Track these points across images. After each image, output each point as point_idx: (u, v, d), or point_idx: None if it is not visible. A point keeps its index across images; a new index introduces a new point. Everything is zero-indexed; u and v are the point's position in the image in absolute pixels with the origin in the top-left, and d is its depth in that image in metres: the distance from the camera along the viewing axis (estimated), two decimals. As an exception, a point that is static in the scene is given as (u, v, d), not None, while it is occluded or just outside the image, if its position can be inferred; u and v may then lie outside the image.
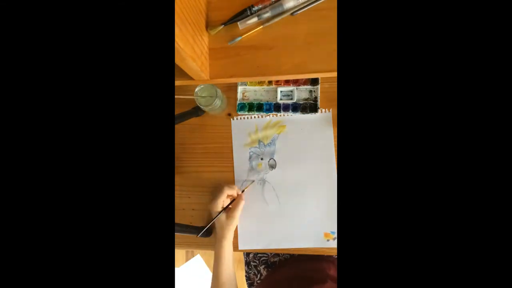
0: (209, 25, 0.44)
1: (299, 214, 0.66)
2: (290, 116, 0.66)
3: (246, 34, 0.44)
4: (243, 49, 0.44)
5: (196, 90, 0.61)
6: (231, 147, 0.68)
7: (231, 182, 0.68)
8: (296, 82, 0.65)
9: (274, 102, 0.66)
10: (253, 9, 0.43)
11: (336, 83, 0.64)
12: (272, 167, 0.67)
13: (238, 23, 0.43)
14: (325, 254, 0.66)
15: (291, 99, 0.65)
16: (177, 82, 0.44)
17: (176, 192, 0.69)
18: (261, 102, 0.66)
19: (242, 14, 0.43)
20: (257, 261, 0.79)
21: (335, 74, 0.42)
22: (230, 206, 0.63)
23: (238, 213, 0.62)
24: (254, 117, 0.67)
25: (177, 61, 0.36)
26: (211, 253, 0.66)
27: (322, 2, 0.43)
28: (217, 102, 0.60)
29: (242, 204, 0.63)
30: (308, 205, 0.65)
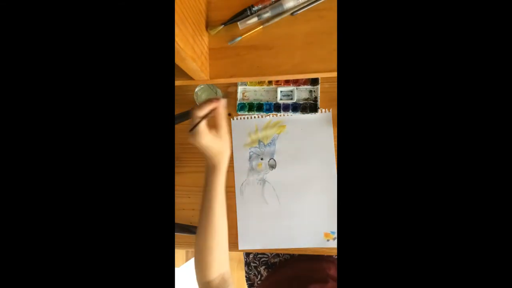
0: (209, 25, 0.44)
1: (299, 214, 0.66)
2: (290, 116, 0.66)
3: (246, 34, 0.44)
4: (243, 49, 0.44)
5: (196, 90, 0.61)
6: (231, 147, 0.68)
7: (231, 181, 0.68)
8: (296, 82, 0.65)
9: (274, 102, 0.66)
10: (253, 9, 0.43)
11: (336, 83, 0.64)
12: (272, 167, 0.67)
13: (238, 23, 0.43)
14: (325, 254, 0.66)
15: (291, 99, 0.65)
16: (177, 82, 0.44)
17: (176, 192, 0.69)
18: (261, 102, 0.66)
19: (242, 14, 0.43)
20: (257, 262, 0.79)
21: (335, 74, 0.42)
22: (211, 115, 0.46)
23: (224, 125, 0.46)
24: (254, 117, 0.67)
25: (177, 61, 0.36)
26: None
27: (322, 2, 0.43)
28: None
29: (223, 117, 0.46)
30: (308, 205, 0.65)
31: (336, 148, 0.65)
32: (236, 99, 0.67)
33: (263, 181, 0.67)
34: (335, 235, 0.65)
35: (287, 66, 0.43)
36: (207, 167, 0.49)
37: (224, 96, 0.50)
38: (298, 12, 0.43)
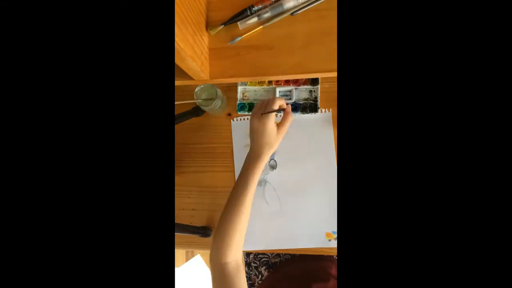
0: (209, 25, 0.44)
1: (300, 214, 0.66)
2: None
3: (246, 34, 0.44)
4: (243, 49, 0.44)
5: (196, 90, 0.61)
6: (231, 147, 0.68)
7: (231, 182, 0.68)
8: (296, 82, 0.65)
9: (274, 102, 0.66)
10: (253, 9, 0.43)
11: (336, 83, 0.64)
12: (273, 167, 0.67)
13: (238, 23, 0.43)
14: (327, 254, 0.66)
15: (290, 99, 0.65)
16: (177, 82, 0.44)
17: (176, 192, 0.69)
18: (261, 102, 0.66)
19: (242, 14, 0.43)
20: (258, 262, 0.79)
21: (335, 74, 0.42)
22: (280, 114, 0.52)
23: (287, 127, 0.52)
24: (254, 117, 0.67)
25: (177, 61, 0.36)
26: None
27: (322, 2, 0.43)
28: (217, 102, 0.60)
29: (290, 120, 0.52)
30: (309, 205, 0.65)
31: (336, 148, 0.65)
32: (236, 99, 0.67)
33: (264, 182, 0.67)
34: (337, 235, 0.65)
35: (287, 66, 0.43)
36: (250, 156, 0.52)
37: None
38: (298, 12, 0.43)
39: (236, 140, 0.68)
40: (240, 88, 0.67)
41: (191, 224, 0.67)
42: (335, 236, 0.65)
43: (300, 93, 0.66)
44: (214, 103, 0.59)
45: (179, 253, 1.54)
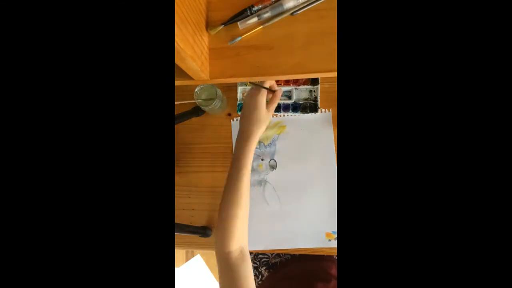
0: (209, 25, 0.44)
1: (300, 215, 0.66)
2: (290, 116, 0.66)
3: (246, 34, 0.44)
4: (243, 49, 0.44)
5: (196, 90, 0.61)
6: (231, 147, 0.68)
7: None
8: (296, 82, 0.65)
9: (274, 102, 0.66)
10: (253, 9, 0.43)
11: (336, 83, 0.64)
12: (273, 167, 0.67)
13: (238, 23, 0.43)
14: (327, 254, 0.66)
15: (290, 98, 0.65)
16: (177, 82, 0.44)
17: (176, 192, 0.69)
18: (261, 102, 0.66)
19: (242, 14, 0.43)
20: (258, 262, 0.79)
21: (335, 74, 0.42)
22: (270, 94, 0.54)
23: (275, 104, 0.53)
24: (254, 117, 0.67)
25: (177, 61, 0.36)
26: (211, 253, 0.65)
27: (322, 2, 0.43)
28: (217, 102, 0.60)
29: (278, 100, 0.53)
30: (309, 205, 0.65)
31: (336, 148, 0.65)
32: (236, 99, 0.67)
33: (264, 182, 0.67)
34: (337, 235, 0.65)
35: (287, 66, 0.43)
36: (240, 137, 0.51)
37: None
38: (298, 12, 0.43)
39: (236, 140, 0.68)
40: (240, 88, 0.67)
41: (191, 224, 0.67)
42: (335, 236, 0.65)
43: (300, 93, 0.66)
44: (214, 103, 0.59)
45: (179, 253, 1.54)
